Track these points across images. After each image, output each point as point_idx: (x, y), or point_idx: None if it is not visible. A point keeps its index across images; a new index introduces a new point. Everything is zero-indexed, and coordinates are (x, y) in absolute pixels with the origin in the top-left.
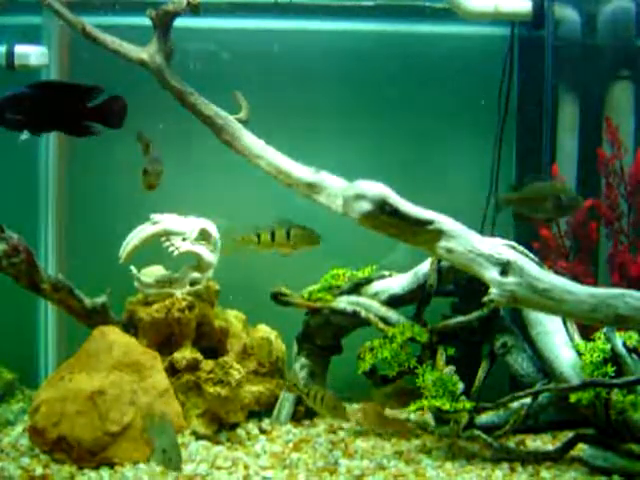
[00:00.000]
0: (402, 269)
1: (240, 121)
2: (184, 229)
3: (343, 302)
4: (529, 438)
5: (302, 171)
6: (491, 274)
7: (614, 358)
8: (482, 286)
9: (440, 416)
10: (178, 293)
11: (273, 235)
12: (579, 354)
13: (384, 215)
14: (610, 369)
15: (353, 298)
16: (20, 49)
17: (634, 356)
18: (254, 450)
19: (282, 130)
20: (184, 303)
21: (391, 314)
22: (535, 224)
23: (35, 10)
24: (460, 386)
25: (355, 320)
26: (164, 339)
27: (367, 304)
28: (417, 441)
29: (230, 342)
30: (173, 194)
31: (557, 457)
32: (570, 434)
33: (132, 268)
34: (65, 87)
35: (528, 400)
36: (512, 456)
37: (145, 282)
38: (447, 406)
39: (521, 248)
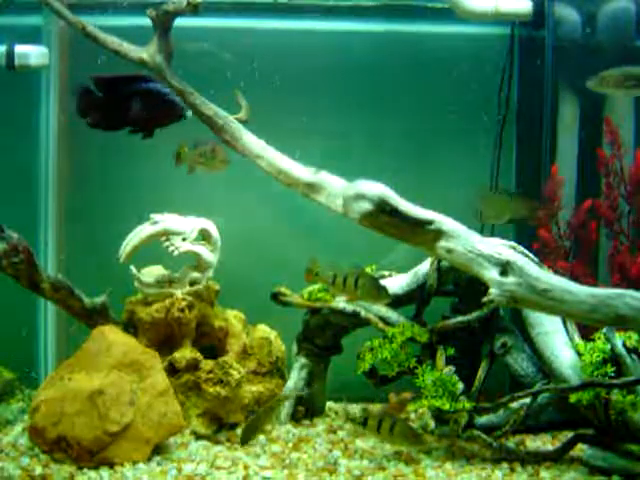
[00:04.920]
0: (402, 269)
1: (240, 121)
2: (184, 229)
3: (343, 302)
4: (529, 438)
5: (302, 171)
6: (491, 274)
7: (614, 358)
8: (482, 286)
9: (440, 416)
10: (178, 293)
11: (345, 280)
12: (579, 354)
13: (384, 215)
14: (610, 369)
15: None
16: (20, 49)
17: (634, 356)
18: (254, 450)
19: (281, 130)
20: (184, 303)
21: (391, 314)
22: (535, 224)
23: (35, 10)
24: (460, 386)
25: (355, 320)
26: (164, 339)
27: (367, 304)
28: None
29: (230, 342)
30: (173, 194)
31: (557, 457)
32: (570, 434)
33: (132, 268)
34: None
35: (528, 400)
36: (512, 456)
37: (145, 282)
38: (447, 406)
39: (521, 248)
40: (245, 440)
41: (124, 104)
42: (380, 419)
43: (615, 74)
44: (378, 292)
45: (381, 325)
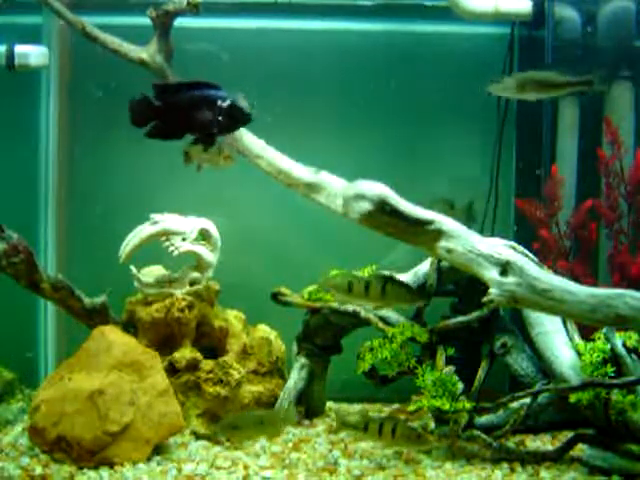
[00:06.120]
0: (402, 269)
1: None
2: (184, 229)
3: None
4: (529, 438)
5: (302, 171)
6: (491, 274)
7: (614, 358)
8: (482, 286)
9: (440, 416)
10: (178, 293)
11: (367, 287)
12: (579, 354)
13: (384, 215)
14: (610, 369)
15: None
16: (20, 49)
17: (634, 356)
18: (254, 450)
19: (281, 130)
20: (184, 303)
21: (391, 314)
22: (535, 224)
23: (35, 10)
24: (460, 386)
25: (355, 320)
26: (164, 339)
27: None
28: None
29: (230, 342)
30: (173, 193)
31: (557, 457)
32: (570, 434)
33: (132, 268)
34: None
35: (528, 400)
36: (512, 456)
37: (145, 282)
38: (447, 406)
39: (521, 248)
40: (217, 429)
41: (186, 112)
42: (381, 423)
43: (511, 79)
44: (411, 295)
45: (381, 325)
